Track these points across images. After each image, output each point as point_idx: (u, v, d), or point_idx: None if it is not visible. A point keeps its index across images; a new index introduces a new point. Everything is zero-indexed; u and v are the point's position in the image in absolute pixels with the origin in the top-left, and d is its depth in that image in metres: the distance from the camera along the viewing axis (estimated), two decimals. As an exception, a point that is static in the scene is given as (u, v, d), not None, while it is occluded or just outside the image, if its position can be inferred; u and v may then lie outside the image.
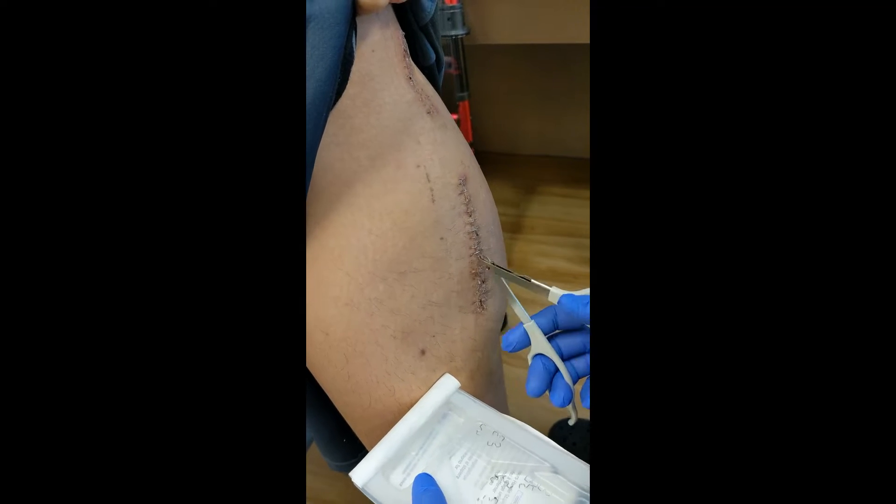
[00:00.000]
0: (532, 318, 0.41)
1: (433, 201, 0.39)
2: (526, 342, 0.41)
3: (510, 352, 0.42)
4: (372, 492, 0.37)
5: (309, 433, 0.77)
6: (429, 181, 0.39)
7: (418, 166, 0.39)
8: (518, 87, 1.68)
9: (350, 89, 0.36)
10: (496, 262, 0.43)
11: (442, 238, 0.40)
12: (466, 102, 1.29)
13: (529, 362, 0.41)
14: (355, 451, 0.56)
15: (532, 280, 0.40)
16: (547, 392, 0.41)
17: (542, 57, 1.58)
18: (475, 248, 0.42)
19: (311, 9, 0.31)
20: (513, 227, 1.51)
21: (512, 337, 0.41)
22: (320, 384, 0.45)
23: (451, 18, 1.15)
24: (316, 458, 0.85)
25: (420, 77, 0.41)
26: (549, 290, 0.39)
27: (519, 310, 0.42)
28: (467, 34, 1.20)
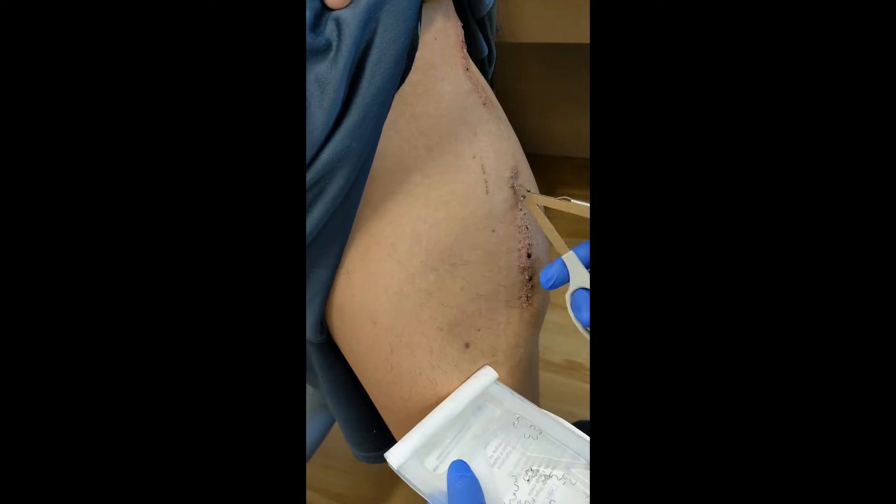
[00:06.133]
0: (572, 250, 0.38)
1: (487, 193, 0.39)
2: (565, 277, 0.38)
3: (548, 288, 0.38)
4: (407, 474, 0.37)
5: (329, 422, 0.77)
6: (484, 172, 0.39)
7: (474, 157, 0.39)
8: (544, 87, 1.67)
9: (412, 76, 0.36)
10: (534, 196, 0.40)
11: (493, 230, 0.40)
12: (492, 101, 1.29)
13: (568, 301, 0.38)
14: (384, 442, 0.56)
15: (572, 200, 0.37)
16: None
17: (571, 57, 1.57)
18: (525, 242, 0.42)
19: None
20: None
21: (551, 271, 0.38)
22: (359, 374, 0.45)
23: (480, 15, 1.15)
24: (327, 451, 0.84)
25: (475, 69, 0.41)
26: (588, 208, 0.36)
27: (557, 241, 0.39)
28: (496, 32, 1.19)
